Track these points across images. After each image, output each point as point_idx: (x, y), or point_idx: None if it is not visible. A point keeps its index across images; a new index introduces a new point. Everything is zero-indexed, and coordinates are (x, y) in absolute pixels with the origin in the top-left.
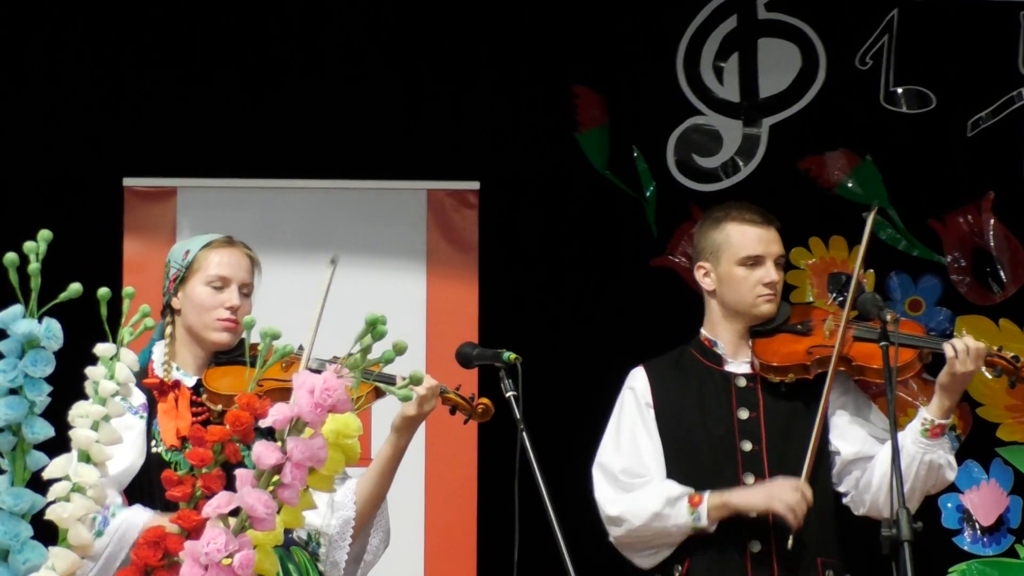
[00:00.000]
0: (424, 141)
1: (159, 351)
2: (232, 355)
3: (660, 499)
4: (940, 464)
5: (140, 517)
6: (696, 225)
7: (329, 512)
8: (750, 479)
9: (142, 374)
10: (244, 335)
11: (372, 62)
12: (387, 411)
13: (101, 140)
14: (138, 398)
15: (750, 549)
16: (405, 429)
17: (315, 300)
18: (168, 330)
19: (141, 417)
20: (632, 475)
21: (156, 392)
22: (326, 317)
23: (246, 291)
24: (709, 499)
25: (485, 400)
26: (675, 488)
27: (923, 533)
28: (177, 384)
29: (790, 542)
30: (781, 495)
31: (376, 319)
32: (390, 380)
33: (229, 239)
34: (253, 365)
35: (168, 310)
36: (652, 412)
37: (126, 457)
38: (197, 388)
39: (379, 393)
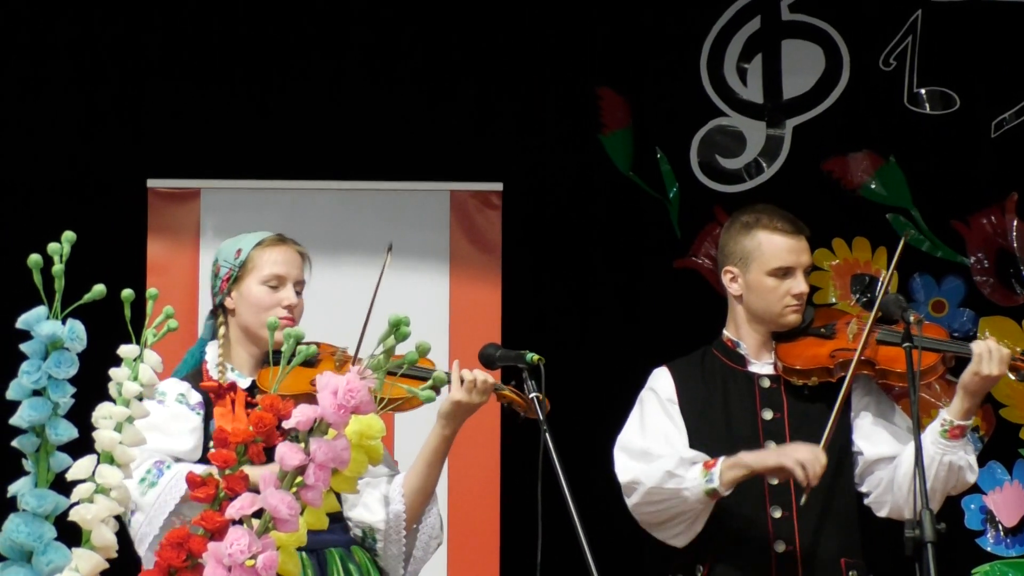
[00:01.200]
0: (447, 142)
1: (212, 351)
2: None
3: (674, 459)
4: (960, 466)
5: (196, 468)
6: (724, 227)
7: (382, 508)
8: (774, 480)
9: (197, 376)
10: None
11: (395, 63)
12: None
13: (125, 142)
14: (195, 397)
15: (774, 549)
16: (451, 417)
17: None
18: (221, 330)
19: (198, 414)
20: (652, 448)
21: (213, 395)
22: (351, 318)
23: (299, 288)
24: (723, 461)
25: (540, 396)
26: (690, 451)
27: (946, 534)
28: (233, 386)
29: (803, 499)
30: (794, 452)
31: (399, 320)
32: (425, 376)
33: (281, 237)
34: (309, 365)
35: (220, 310)
36: (677, 408)
37: (188, 440)
38: (252, 389)
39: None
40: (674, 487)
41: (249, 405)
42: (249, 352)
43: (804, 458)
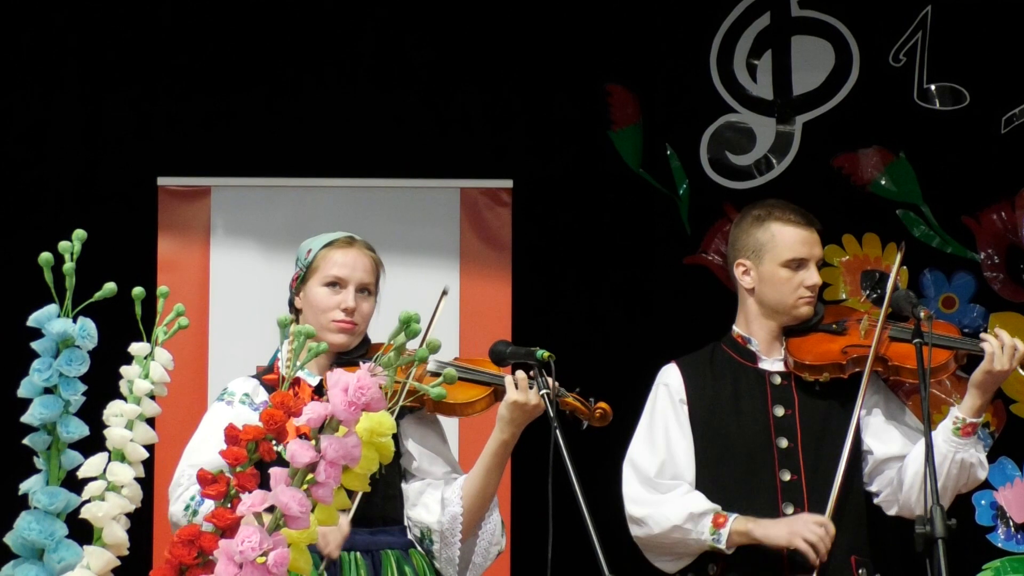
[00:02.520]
0: (457, 139)
1: (285, 349)
2: (353, 355)
3: (683, 513)
4: (971, 463)
5: None
6: (735, 221)
7: (439, 509)
8: (786, 475)
9: (268, 371)
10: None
11: (405, 60)
12: (473, 421)
13: (136, 140)
14: (261, 396)
15: (786, 547)
16: (509, 420)
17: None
18: (292, 328)
19: None
20: (664, 476)
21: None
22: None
23: (366, 292)
24: (733, 523)
25: (604, 404)
26: (701, 503)
27: (957, 530)
28: (297, 381)
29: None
30: (803, 531)
31: (409, 317)
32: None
33: (351, 238)
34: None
35: (292, 309)
36: (686, 408)
37: None
38: (319, 388)
39: (498, 396)
40: (679, 538)
41: None
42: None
43: (813, 538)
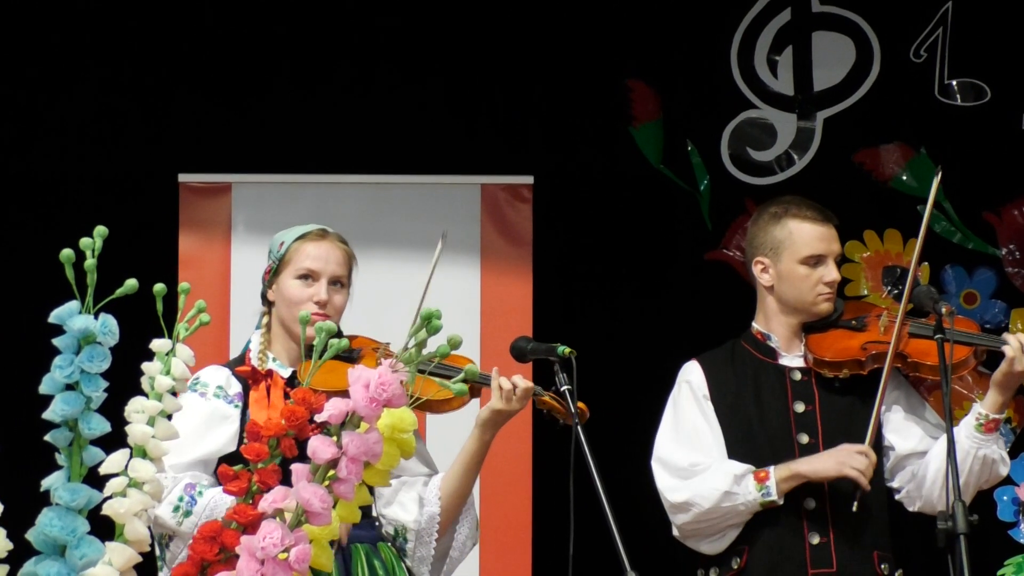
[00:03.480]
0: (478, 136)
1: (256, 340)
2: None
3: (727, 477)
4: (994, 459)
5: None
6: (752, 219)
7: (416, 508)
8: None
9: (239, 362)
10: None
11: (425, 57)
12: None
13: (156, 136)
14: (234, 387)
15: (808, 541)
16: (490, 424)
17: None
18: (264, 320)
19: (236, 406)
20: (694, 463)
21: (249, 380)
22: (382, 312)
23: (338, 284)
24: (776, 472)
25: (582, 405)
26: (738, 466)
27: (978, 526)
28: (270, 374)
29: (855, 505)
30: (850, 460)
31: (431, 313)
32: (451, 375)
33: (323, 231)
34: (351, 361)
35: (265, 301)
36: (710, 404)
37: (217, 439)
38: (292, 380)
39: (474, 392)
40: (730, 505)
41: (287, 396)
42: (287, 345)
43: (861, 466)
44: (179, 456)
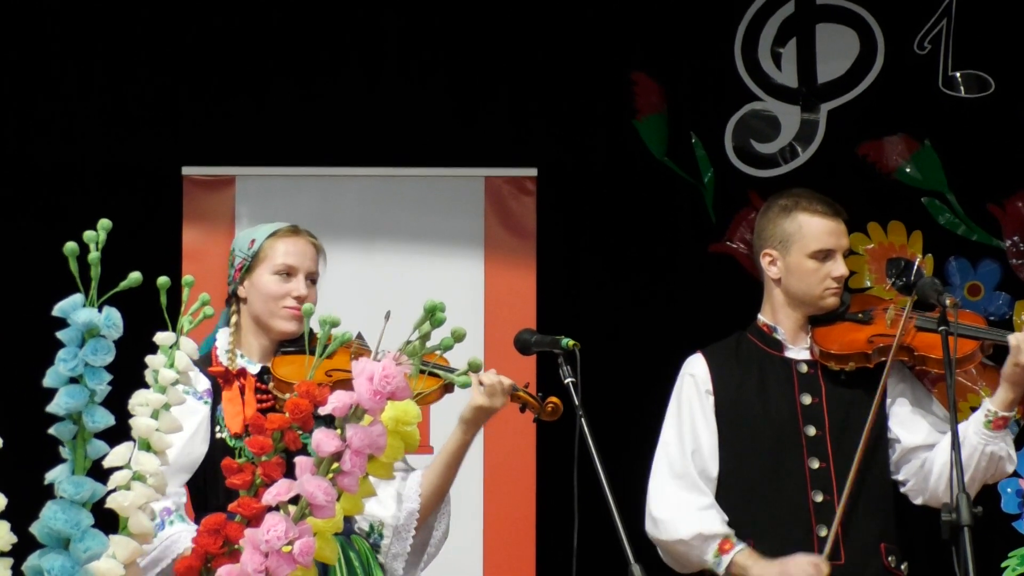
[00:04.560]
0: (482, 128)
1: (223, 338)
2: (298, 344)
3: (694, 531)
4: (1001, 456)
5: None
6: (760, 211)
7: (394, 503)
8: (815, 463)
9: (206, 360)
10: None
11: (429, 49)
12: (447, 400)
13: (160, 129)
14: (202, 383)
15: (816, 533)
16: (472, 422)
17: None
18: (234, 319)
19: (205, 402)
20: (694, 467)
21: (221, 380)
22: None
23: (312, 279)
24: (737, 555)
25: (554, 399)
26: (715, 526)
27: (982, 518)
28: (243, 372)
29: None
30: (796, 572)
31: (435, 306)
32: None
33: (294, 228)
34: (313, 353)
35: (234, 299)
36: (712, 399)
37: (193, 447)
38: (262, 375)
39: (448, 388)
40: (684, 551)
41: (259, 391)
42: (259, 341)
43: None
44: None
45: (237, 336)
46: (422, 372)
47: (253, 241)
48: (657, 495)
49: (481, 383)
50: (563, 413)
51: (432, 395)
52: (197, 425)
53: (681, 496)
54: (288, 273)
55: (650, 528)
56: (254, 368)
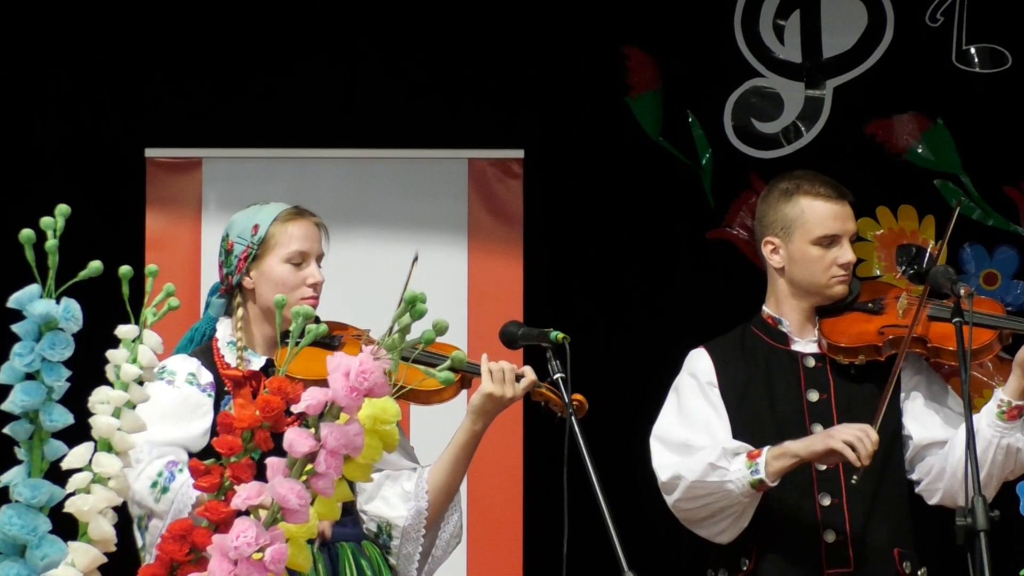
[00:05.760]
0: (465, 107)
1: (225, 330)
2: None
3: (716, 451)
4: (1018, 448)
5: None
6: (761, 196)
7: (401, 503)
8: (822, 464)
9: (206, 353)
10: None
11: (409, 24)
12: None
13: (122, 109)
14: (205, 376)
15: (824, 539)
16: (482, 412)
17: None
18: (239, 311)
19: (209, 395)
20: (691, 439)
21: (231, 384)
22: (363, 295)
23: (320, 261)
24: (768, 451)
25: (579, 396)
26: (734, 443)
27: (1000, 522)
28: (256, 375)
29: (855, 479)
30: (841, 433)
31: (415, 297)
32: (435, 362)
33: (298, 209)
34: (331, 349)
35: (237, 290)
36: (717, 391)
37: (195, 428)
38: (267, 368)
39: (465, 383)
40: (717, 480)
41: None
42: (264, 332)
43: (853, 437)
44: (157, 434)
45: (244, 328)
46: (404, 360)
47: (257, 227)
48: (662, 467)
49: (491, 370)
50: (540, 403)
51: (448, 391)
52: (204, 413)
53: (686, 455)
54: (301, 259)
55: (675, 497)
56: (258, 362)
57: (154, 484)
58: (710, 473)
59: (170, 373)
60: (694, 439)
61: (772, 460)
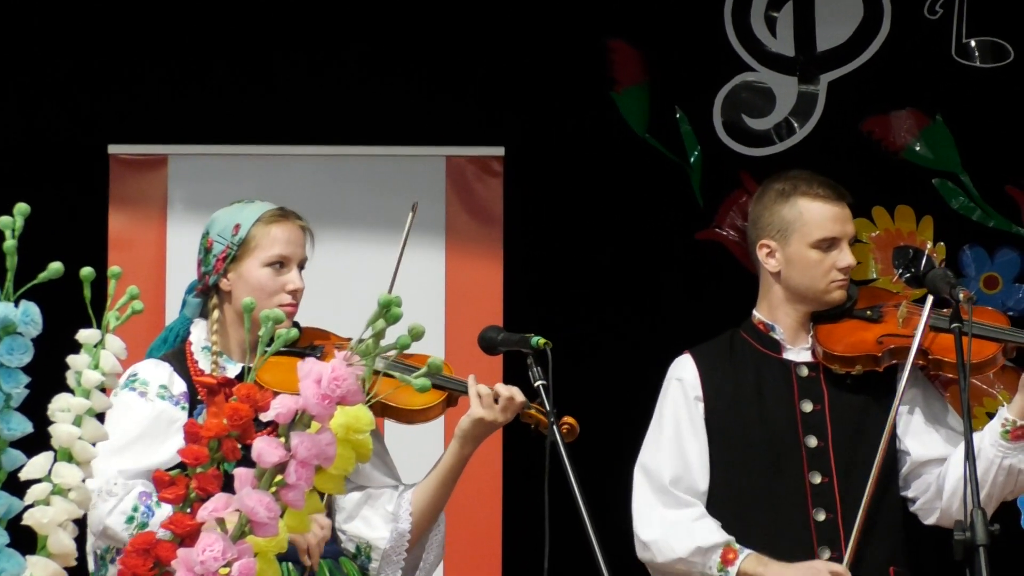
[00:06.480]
0: (443, 102)
1: (200, 333)
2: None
3: (690, 547)
4: (1020, 469)
5: None
6: (755, 196)
7: (383, 524)
8: (816, 478)
9: (179, 357)
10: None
11: (384, 15)
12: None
13: (83, 103)
14: (178, 386)
15: (819, 556)
16: (471, 436)
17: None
18: (215, 314)
19: (183, 408)
20: (678, 486)
21: (205, 393)
22: (336, 299)
23: (302, 267)
24: (743, 563)
25: (570, 419)
26: (711, 536)
27: (1001, 537)
28: (229, 382)
29: None
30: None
31: (390, 300)
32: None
33: (283, 211)
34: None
35: (214, 291)
36: (702, 406)
37: (171, 449)
38: (243, 376)
39: (451, 401)
40: (684, 570)
41: None
42: (243, 338)
43: None
44: (130, 461)
45: (220, 332)
46: (376, 373)
47: (238, 226)
48: (642, 516)
49: (480, 394)
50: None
51: (434, 410)
52: (174, 428)
53: (668, 513)
54: (281, 264)
55: (641, 552)
56: (234, 369)
57: (130, 519)
58: (680, 564)
59: (142, 383)
60: (676, 488)
61: (746, 573)
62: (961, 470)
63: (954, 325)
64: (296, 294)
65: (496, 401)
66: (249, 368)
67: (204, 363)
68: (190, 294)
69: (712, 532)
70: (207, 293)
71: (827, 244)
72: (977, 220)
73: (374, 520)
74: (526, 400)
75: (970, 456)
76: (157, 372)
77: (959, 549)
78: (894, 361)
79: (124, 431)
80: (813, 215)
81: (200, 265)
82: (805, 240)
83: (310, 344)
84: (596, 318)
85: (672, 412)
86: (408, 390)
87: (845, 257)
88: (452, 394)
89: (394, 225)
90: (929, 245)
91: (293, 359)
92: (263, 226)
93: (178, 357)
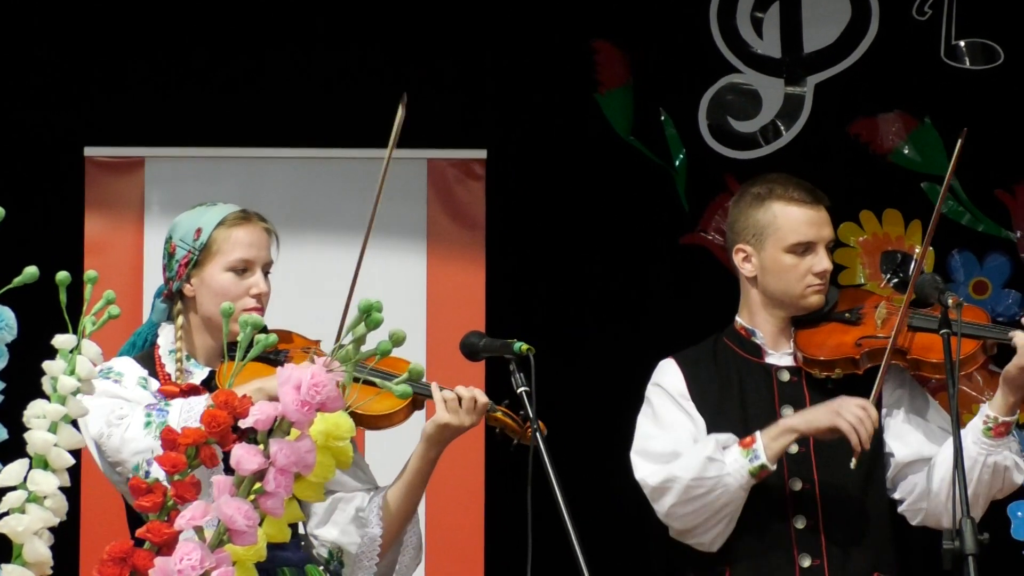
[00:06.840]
0: (423, 104)
1: (167, 337)
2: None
3: (709, 445)
4: (1006, 466)
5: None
6: (732, 201)
7: (354, 529)
8: (797, 485)
9: (147, 360)
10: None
11: (363, 15)
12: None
13: (59, 105)
14: (153, 384)
15: (799, 563)
16: (436, 439)
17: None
18: (180, 319)
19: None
20: (676, 450)
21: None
22: (314, 302)
23: (266, 270)
24: (764, 433)
25: (539, 424)
26: (714, 441)
27: (990, 545)
28: (196, 389)
29: (853, 463)
30: (844, 410)
31: (370, 305)
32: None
33: (245, 213)
34: (276, 362)
35: (178, 296)
36: (691, 404)
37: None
38: (209, 381)
39: (417, 405)
40: (716, 474)
41: None
42: (205, 343)
43: (855, 419)
44: (124, 393)
45: (185, 338)
46: (356, 380)
47: (199, 231)
48: (649, 475)
49: (445, 399)
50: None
51: (398, 415)
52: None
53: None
54: (244, 268)
55: (666, 501)
56: (201, 373)
57: (147, 424)
58: (708, 467)
59: (117, 374)
60: (679, 446)
61: (771, 442)
62: (945, 468)
63: (943, 331)
64: (261, 298)
65: (460, 404)
66: (213, 372)
67: (171, 367)
68: (158, 298)
69: (713, 439)
70: (172, 298)
71: (802, 248)
72: (966, 224)
73: (345, 525)
74: (490, 402)
75: (959, 463)
76: (134, 368)
77: (948, 558)
78: (873, 363)
79: (109, 392)
80: (787, 219)
81: (164, 270)
82: (779, 245)
83: (274, 349)
84: (579, 324)
85: (663, 404)
86: (371, 394)
87: (821, 261)
88: (417, 398)
89: (375, 230)
90: (917, 249)
91: (257, 364)
92: (225, 230)
93: (147, 360)
